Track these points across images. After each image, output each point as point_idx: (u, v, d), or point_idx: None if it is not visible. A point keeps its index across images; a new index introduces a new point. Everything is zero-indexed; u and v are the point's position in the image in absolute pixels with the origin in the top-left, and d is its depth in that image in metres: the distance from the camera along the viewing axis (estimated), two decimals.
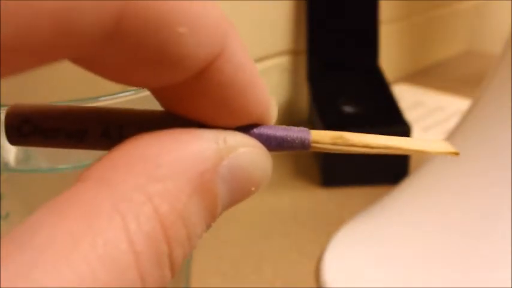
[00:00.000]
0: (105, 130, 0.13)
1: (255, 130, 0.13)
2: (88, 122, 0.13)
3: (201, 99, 0.12)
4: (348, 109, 0.48)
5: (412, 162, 0.45)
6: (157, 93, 0.13)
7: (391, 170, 0.44)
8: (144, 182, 0.10)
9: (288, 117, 0.56)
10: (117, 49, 0.10)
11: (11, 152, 0.25)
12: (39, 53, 0.09)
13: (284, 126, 0.14)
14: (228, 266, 0.36)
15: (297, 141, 0.13)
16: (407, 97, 0.61)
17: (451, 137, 0.35)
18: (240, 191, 0.12)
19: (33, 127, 0.13)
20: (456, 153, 0.14)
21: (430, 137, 0.52)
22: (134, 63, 0.11)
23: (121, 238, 0.09)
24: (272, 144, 0.13)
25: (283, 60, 0.55)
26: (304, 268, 0.36)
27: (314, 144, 0.13)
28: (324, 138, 0.13)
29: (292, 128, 0.14)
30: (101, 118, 0.13)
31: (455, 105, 0.60)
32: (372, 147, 0.14)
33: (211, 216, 0.11)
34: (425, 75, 0.69)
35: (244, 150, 0.12)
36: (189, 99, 0.12)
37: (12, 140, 0.13)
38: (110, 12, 0.09)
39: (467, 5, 0.76)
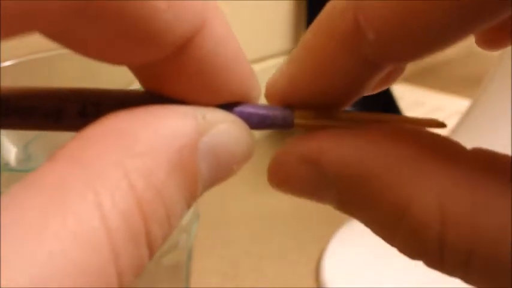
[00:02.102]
0: (81, 108, 0.12)
1: (236, 108, 0.13)
2: (64, 100, 0.12)
3: (182, 76, 0.12)
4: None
5: None
6: (137, 71, 0.12)
7: None
8: (119, 158, 0.10)
9: None
10: (93, 24, 0.10)
11: (11, 152, 0.25)
12: (6, 21, 0.09)
13: (267, 105, 0.13)
14: (228, 266, 0.36)
15: (279, 117, 0.13)
16: (407, 97, 0.61)
17: (450, 137, 0.35)
18: (221, 168, 0.12)
19: (8, 107, 0.12)
20: (443, 125, 0.13)
21: None
22: (111, 39, 0.10)
23: (93, 214, 0.09)
24: (254, 121, 0.13)
25: (283, 60, 0.55)
26: (304, 268, 0.36)
27: (297, 120, 0.13)
28: (307, 113, 0.13)
29: (276, 106, 0.13)
30: (77, 96, 0.13)
31: (455, 105, 0.60)
32: (357, 121, 0.13)
33: (191, 195, 0.11)
34: (425, 75, 0.69)
35: (224, 126, 0.12)
36: (170, 76, 0.12)
37: None
38: None
39: None
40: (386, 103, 0.48)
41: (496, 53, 0.34)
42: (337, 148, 0.12)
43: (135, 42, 0.10)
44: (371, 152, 0.12)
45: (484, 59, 0.73)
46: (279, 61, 0.55)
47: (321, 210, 0.43)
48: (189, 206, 0.11)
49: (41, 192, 0.09)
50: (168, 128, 0.11)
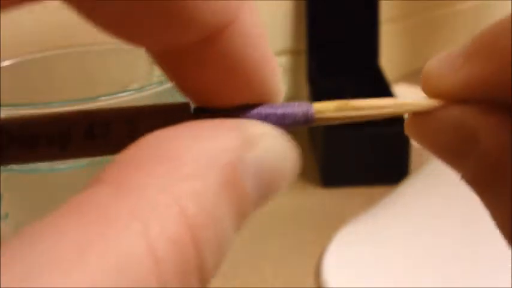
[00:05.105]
0: (88, 130, 0.12)
1: (255, 110, 0.12)
2: (68, 123, 0.12)
3: (206, 69, 0.11)
4: None
5: (413, 163, 0.45)
6: (161, 59, 0.12)
7: (392, 170, 0.44)
8: (167, 183, 0.09)
9: None
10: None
11: None
12: None
13: (284, 103, 0.13)
14: (228, 266, 0.36)
15: (299, 115, 0.12)
16: (408, 97, 0.61)
17: None
18: (269, 185, 0.11)
19: (9, 137, 0.11)
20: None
21: None
22: (135, 18, 0.10)
23: (139, 244, 0.08)
24: (273, 121, 0.12)
25: (283, 60, 0.55)
26: (304, 268, 0.36)
27: (318, 115, 0.12)
28: (328, 107, 0.13)
29: (293, 103, 0.13)
30: (82, 117, 0.12)
31: None
32: (380, 107, 0.13)
33: (242, 216, 0.10)
34: None
35: (269, 141, 0.11)
36: (194, 68, 0.11)
37: None
38: None
39: (467, 5, 0.76)
40: None
41: None
42: (500, 130, 0.12)
43: (162, 23, 0.10)
44: None
45: None
46: (278, 61, 0.55)
47: (321, 210, 0.43)
48: (238, 229, 0.11)
49: (83, 219, 0.08)
50: (213, 146, 0.10)
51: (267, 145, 0.11)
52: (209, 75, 0.11)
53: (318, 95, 0.50)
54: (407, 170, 0.45)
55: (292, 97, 0.57)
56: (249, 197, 0.11)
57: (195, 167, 0.10)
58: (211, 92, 0.12)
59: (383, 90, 0.50)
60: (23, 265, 0.08)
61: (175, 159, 0.10)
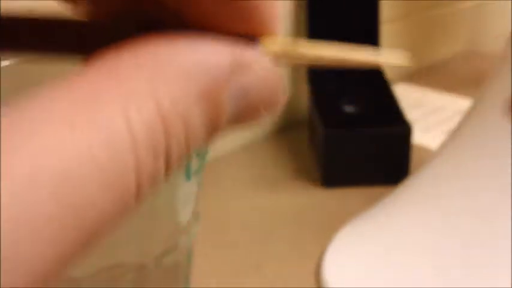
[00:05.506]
0: (36, 30, 0.12)
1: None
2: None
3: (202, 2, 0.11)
4: (348, 109, 0.48)
5: (413, 163, 0.45)
6: None
7: (392, 171, 0.44)
8: (153, 78, 0.10)
9: (288, 117, 0.56)
10: None
11: None
12: None
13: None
14: (228, 267, 0.36)
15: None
16: (408, 96, 0.61)
17: (451, 137, 0.35)
18: (249, 109, 0.12)
19: None
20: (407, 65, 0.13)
21: (430, 134, 0.52)
22: None
23: (121, 122, 0.09)
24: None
25: None
26: (305, 268, 0.36)
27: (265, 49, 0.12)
28: (274, 46, 0.12)
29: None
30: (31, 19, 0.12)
31: (456, 105, 0.59)
32: (325, 60, 0.13)
33: (214, 127, 0.11)
34: (425, 75, 0.69)
35: (260, 70, 0.12)
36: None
37: None
38: None
39: (467, 5, 0.76)
40: (388, 102, 0.48)
41: (496, 53, 0.34)
42: None
43: None
44: None
45: (484, 59, 0.73)
46: None
47: (321, 210, 0.43)
48: (209, 135, 0.11)
49: (74, 89, 0.09)
50: (205, 58, 0.11)
51: (257, 73, 0.12)
52: (203, 7, 0.12)
53: (318, 95, 0.50)
54: (407, 170, 0.45)
55: (292, 96, 0.57)
56: (224, 115, 0.11)
57: (182, 71, 0.10)
58: (205, 24, 0.12)
59: (383, 90, 0.50)
60: (11, 127, 0.08)
61: (167, 59, 0.10)
